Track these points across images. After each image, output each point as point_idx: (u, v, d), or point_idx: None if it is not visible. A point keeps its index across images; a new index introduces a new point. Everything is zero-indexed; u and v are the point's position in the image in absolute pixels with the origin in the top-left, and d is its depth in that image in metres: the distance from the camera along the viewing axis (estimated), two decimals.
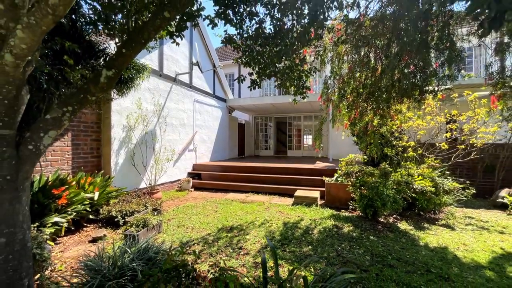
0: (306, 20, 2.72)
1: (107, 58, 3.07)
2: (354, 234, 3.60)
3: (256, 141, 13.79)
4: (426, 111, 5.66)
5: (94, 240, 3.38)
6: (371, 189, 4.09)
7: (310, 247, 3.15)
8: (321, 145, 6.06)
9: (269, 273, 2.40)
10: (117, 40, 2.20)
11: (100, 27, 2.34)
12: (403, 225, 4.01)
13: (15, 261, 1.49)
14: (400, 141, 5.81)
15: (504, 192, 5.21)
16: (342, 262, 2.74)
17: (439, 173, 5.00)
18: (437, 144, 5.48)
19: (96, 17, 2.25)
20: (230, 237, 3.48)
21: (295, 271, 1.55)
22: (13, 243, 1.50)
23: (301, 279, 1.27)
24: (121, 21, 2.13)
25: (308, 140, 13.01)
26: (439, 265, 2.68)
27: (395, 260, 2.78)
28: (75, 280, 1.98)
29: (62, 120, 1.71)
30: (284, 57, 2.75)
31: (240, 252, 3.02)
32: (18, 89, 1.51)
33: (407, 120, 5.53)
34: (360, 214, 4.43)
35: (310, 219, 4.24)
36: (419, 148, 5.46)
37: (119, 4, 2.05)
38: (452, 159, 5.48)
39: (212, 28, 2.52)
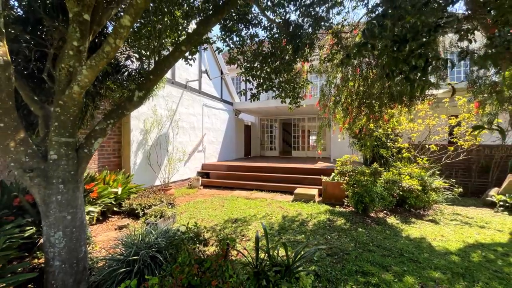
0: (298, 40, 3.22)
1: (131, 75, 3.66)
2: (345, 226, 4.06)
3: (262, 142, 14.29)
4: (419, 115, 6.02)
5: (119, 228, 3.98)
6: (361, 186, 4.52)
7: (303, 235, 3.63)
8: (322, 146, 6.52)
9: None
10: (145, 65, 2.78)
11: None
12: (391, 220, 4.43)
13: (77, 233, 2.07)
14: (396, 143, 6.18)
15: (493, 191, 5.50)
16: (329, 247, 3.22)
17: (429, 173, 5.36)
18: (427, 146, 5.83)
19: (131, 51, 2.84)
20: (235, 227, 4.01)
21: (280, 242, 2.04)
22: (75, 220, 2.07)
23: (282, 245, 1.76)
24: (147, 53, 2.71)
25: (312, 140, 13.39)
26: (413, 251, 3.11)
27: (375, 247, 3.23)
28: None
29: (106, 130, 2.28)
30: (279, 73, 3.25)
31: (243, 238, 3.54)
32: (79, 108, 2.08)
33: (401, 123, 5.90)
34: (353, 209, 4.86)
35: (307, 214, 4.72)
36: (412, 150, 5.83)
37: (146, 39, 2.62)
38: (443, 159, 5.81)
39: (218, 53, 3.05)
